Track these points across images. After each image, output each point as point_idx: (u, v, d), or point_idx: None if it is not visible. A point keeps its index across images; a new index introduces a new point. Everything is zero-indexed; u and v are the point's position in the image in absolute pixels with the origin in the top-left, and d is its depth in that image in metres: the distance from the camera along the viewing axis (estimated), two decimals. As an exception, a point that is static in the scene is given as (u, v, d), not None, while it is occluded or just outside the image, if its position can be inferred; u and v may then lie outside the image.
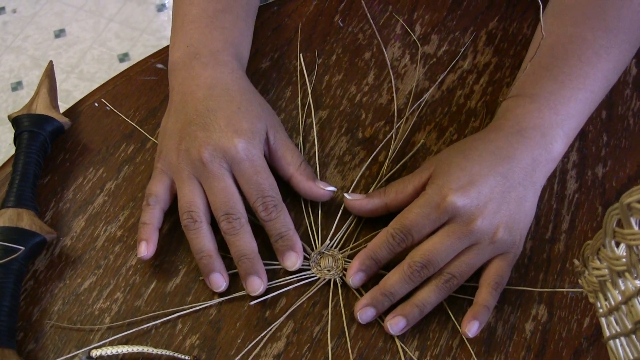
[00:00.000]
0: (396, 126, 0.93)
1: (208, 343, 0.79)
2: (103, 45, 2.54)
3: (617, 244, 0.57)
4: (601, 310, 0.63)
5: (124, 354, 0.78)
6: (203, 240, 0.81)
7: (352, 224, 0.86)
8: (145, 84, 0.96)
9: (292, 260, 0.81)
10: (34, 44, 2.54)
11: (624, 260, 0.55)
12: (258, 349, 0.79)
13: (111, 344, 0.79)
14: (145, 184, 0.87)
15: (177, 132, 0.83)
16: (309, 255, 0.83)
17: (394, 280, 0.79)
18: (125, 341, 0.79)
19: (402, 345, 0.79)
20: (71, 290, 0.82)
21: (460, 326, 0.80)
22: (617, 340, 0.61)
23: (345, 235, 0.85)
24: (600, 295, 0.63)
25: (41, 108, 0.88)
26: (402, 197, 0.84)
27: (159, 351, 0.77)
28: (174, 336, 0.79)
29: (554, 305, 0.83)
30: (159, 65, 0.97)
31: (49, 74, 0.92)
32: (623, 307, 0.58)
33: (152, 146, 0.91)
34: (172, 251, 0.84)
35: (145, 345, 0.78)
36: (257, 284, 0.80)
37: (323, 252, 0.84)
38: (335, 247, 0.84)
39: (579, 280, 0.67)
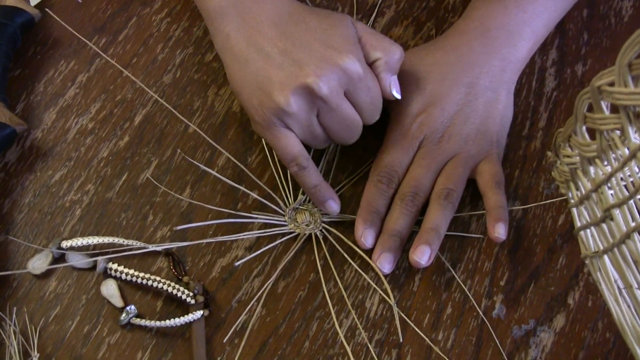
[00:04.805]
0: (372, 20, 0.92)
1: (179, 235, 0.79)
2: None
3: (588, 131, 0.57)
4: (572, 201, 0.63)
5: (95, 245, 0.77)
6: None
7: (322, 174, 0.82)
8: (119, -23, 0.94)
9: None
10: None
11: (594, 146, 0.55)
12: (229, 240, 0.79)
13: (82, 235, 0.78)
14: (118, 76, 0.87)
15: (268, 79, 0.73)
16: (284, 211, 0.81)
17: (393, 218, 0.78)
18: (96, 232, 0.79)
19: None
20: (42, 183, 0.81)
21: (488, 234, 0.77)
22: (588, 231, 0.61)
23: None
24: (572, 185, 0.62)
25: (11, 0, 0.87)
26: None
27: (130, 242, 0.77)
28: (145, 228, 0.79)
29: (529, 201, 0.82)
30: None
31: (19, -33, 0.90)
32: (593, 195, 0.58)
33: (124, 39, 0.89)
34: (144, 143, 0.84)
35: (117, 236, 0.78)
36: None
37: (297, 208, 0.81)
38: (309, 201, 0.82)
39: (552, 172, 0.66)
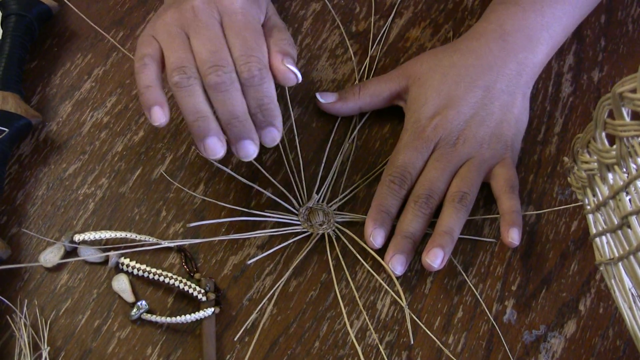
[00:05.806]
0: (390, 20, 0.91)
1: (191, 231, 0.79)
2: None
3: (608, 137, 0.57)
4: (589, 207, 0.62)
5: (107, 239, 0.77)
6: (197, 98, 0.70)
7: (336, 174, 0.83)
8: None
9: (272, 137, 0.72)
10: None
11: (614, 152, 0.54)
12: (242, 238, 0.79)
13: (94, 229, 0.78)
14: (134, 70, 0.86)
15: (171, 3, 0.75)
16: (297, 210, 0.81)
17: (407, 220, 0.78)
18: (109, 227, 0.78)
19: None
20: (56, 175, 0.81)
21: (502, 239, 0.77)
22: (604, 238, 0.61)
23: (331, 187, 0.83)
24: (589, 191, 0.62)
25: (29, -9, 0.87)
26: (376, 101, 0.85)
27: (143, 237, 0.77)
28: (158, 223, 0.79)
29: (542, 207, 0.82)
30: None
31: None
32: (611, 202, 0.57)
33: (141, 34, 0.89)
34: (159, 138, 0.83)
35: (129, 231, 0.78)
36: (251, 150, 0.71)
37: (311, 207, 0.81)
38: (323, 201, 0.82)
39: (568, 178, 0.66)
